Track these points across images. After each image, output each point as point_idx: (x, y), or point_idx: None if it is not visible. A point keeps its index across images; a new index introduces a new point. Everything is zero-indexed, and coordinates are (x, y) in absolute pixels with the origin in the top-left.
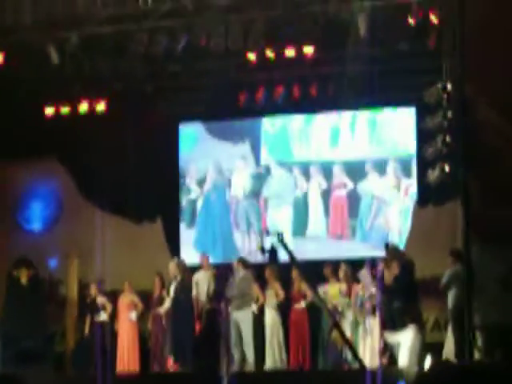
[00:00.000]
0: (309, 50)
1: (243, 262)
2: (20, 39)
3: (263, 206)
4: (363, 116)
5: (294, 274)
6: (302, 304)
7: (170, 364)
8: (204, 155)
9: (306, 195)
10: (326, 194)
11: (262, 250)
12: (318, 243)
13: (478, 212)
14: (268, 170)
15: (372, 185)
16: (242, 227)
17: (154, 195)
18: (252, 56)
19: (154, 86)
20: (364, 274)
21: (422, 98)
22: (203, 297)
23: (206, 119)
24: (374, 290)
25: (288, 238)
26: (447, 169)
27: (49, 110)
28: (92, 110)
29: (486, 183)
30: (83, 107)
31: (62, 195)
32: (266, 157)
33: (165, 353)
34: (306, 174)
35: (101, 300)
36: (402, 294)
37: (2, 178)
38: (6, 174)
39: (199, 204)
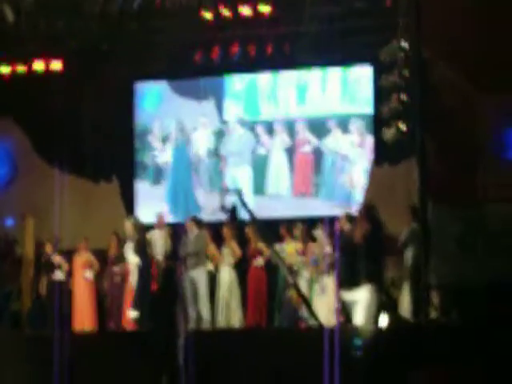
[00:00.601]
0: (265, 8)
1: (196, 222)
2: None
3: (224, 164)
4: (330, 73)
5: (250, 232)
6: (260, 261)
7: (127, 321)
8: (168, 113)
9: (269, 153)
10: (290, 152)
11: (223, 208)
12: (280, 201)
13: (434, 171)
14: (229, 128)
15: (336, 142)
16: (204, 185)
17: (110, 154)
18: (208, 14)
19: (110, 45)
20: (320, 232)
21: (379, 56)
22: (160, 256)
23: (162, 78)
24: (329, 248)
25: (249, 197)
26: (403, 127)
27: (4, 69)
28: (48, 69)
29: (441, 143)
30: (39, 66)
31: (18, 155)
32: (229, 114)
33: (121, 311)
34: (270, 131)
35: (57, 259)
36: (370, 252)
37: None
38: None
39: (163, 161)
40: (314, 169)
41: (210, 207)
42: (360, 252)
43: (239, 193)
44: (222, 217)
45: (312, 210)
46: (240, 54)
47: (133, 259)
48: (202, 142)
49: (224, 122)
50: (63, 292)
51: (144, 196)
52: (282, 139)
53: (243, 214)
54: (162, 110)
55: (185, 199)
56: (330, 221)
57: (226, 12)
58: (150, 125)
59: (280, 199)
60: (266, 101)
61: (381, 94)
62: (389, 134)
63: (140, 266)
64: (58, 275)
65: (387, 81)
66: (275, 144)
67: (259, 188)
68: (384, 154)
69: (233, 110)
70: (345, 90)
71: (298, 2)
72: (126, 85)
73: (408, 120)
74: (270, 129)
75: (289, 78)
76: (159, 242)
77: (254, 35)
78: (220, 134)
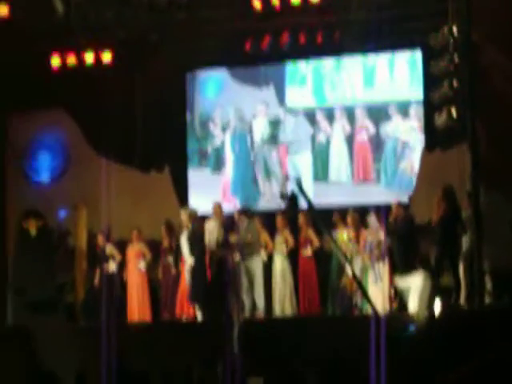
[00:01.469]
0: None
1: (245, 212)
2: None
3: (284, 152)
4: (397, 58)
5: (302, 220)
6: (309, 251)
7: (183, 311)
8: (228, 101)
9: (329, 139)
10: (350, 139)
11: (283, 196)
12: (341, 188)
13: (486, 157)
14: (289, 115)
15: (396, 128)
16: (262, 173)
17: (162, 144)
18: (258, 4)
19: (159, 35)
20: (373, 219)
21: (428, 42)
22: (213, 246)
23: (213, 67)
24: (382, 235)
25: (309, 184)
26: (454, 113)
27: (55, 61)
28: (98, 59)
29: (493, 128)
30: (89, 57)
31: (70, 146)
32: (290, 101)
33: (175, 301)
34: (330, 117)
35: (109, 250)
36: (447, 234)
37: (10, 129)
38: (14, 126)
39: (224, 149)
40: (374, 155)
41: (268, 195)
42: (416, 237)
43: (298, 181)
44: (280, 204)
45: (373, 197)
46: (290, 43)
47: (187, 249)
48: (260, 130)
49: (284, 109)
50: (116, 282)
51: (204, 184)
52: (342, 126)
53: (302, 202)
54: (222, 98)
55: (245, 187)
56: (383, 208)
57: (275, 1)
58: (211, 113)
59: (341, 186)
60: (330, 86)
61: (430, 80)
62: (440, 120)
63: (194, 256)
64: (112, 266)
65: (437, 67)
66: (335, 131)
67: (320, 175)
68: (435, 139)
69: (294, 96)
70: (413, 74)
71: None
72: (175, 74)
73: (459, 106)
74: (330, 115)
75: (355, 62)
76: (213, 231)
77: (304, 24)
78: (279, 122)
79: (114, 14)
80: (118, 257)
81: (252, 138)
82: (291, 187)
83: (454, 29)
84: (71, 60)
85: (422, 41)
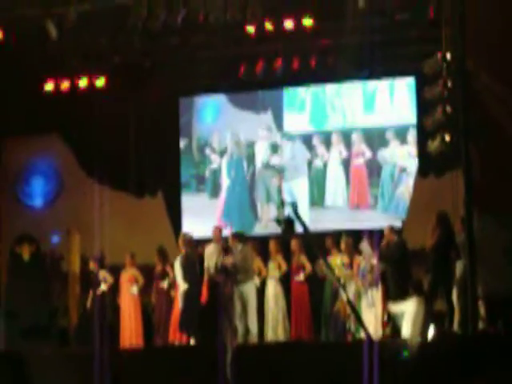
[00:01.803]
0: (308, 21)
1: (239, 237)
2: (18, 15)
3: (281, 177)
4: (399, 81)
5: (294, 245)
6: (301, 276)
7: (176, 337)
8: (226, 126)
9: (325, 164)
10: (346, 164)
11: (278, 221)
12: (337, 213)
13: (479, 182)
14: (285, 140)
15: (393, 153)
16: (261, 199)
17: (155, 169)
18: (251, 29)
19: (153, 60)
20: (365, 244)
21: (422, 68)
22: (212, 270)
23: (206, 92)
24: (375, 260)
25: (305, 209)
26: (447, 139)
27: (48, 86)
28: (92, 84)
29: (486, 153)
30: (83, 82)
31: (63, 171)
32: (288, 126)
33: (168, 327)
34: (327, 142)
35: (102, 274)
36: (441, 260)
37: (3, 154)
38: (7, 151)
39: (222, 174)
40: (371, 181)
41: (264, 220)
42: (409, 263)
43: (294, 205)
44: (275, 229)
45: (369, 222)
46: (283, 68)
47: (180, 275)
48: (261, 154)
49: (282, 135)
50: (109, 307)
51: (201, 209)
52: (339, 151)
53: (297, 227)
54: (219, 123)
55: (240, 212)
56: (376, 233)
57: (269, 26)
58: (209, 138)
59: (337, 211)
60: (329, 111)
61: (423, 106)
62: (433, 145)
63: (187, 281)
64: (104, 289)
65: (431, 93)
66: (332, 155)
67: (316, 200)
68: (429, 165)
69: (292, 121)
70: (412, 99)
71: (339, 14)
72: (170, 100)
73: (452, 131)
74: (327, 140)
75: (354, 88)
76: (212, 256)
77: (297, 48)
78: (277, 147)
79: (107, 40)
80: (110, 280)
81: (250, 162)
82: (287, 212)
83: (448, 55)
84: (65, 85)
85: (416, 66)
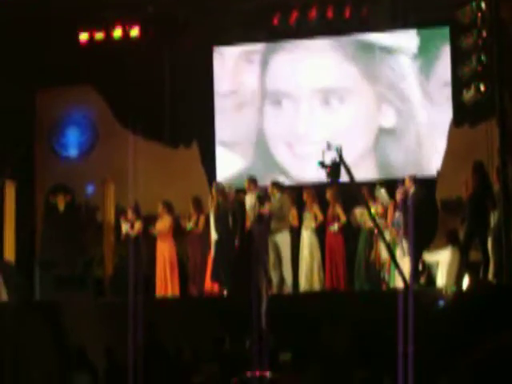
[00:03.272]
0: None
1: (277, 185)
2: None
3: None
4: None
5: (329, 196)
6: (336, 227)
7: (209, 287)
8: None
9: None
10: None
11: (323, 164)
12: None
13: None
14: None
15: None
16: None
17: (190, 120)
18: None
19: (187, 10)
20: (382, 191)
21: (456, 17)
22: (249, 219)
23: (240, 43)
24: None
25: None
26: (482, 88)
27: (83, 37)
28: (126, 35)
29: None
30: (117, 33)
31: (98, 121)
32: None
33: (203, 277)
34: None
35: (138, 224)
36: (479, 209)
37: (38, 105)
38: (42, 102)
39: None
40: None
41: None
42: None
43: (339, 150)
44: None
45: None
46: (318, 18)
47: (213, 225)
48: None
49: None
50: (143, 255)
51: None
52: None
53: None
54: None
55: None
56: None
57: None
58: None
59: None
60: None
61: (458, 55)
62: (468, 95)
63: (219, 231)
64: (140, 240)
65: (465, 42)
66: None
67: None
68: (463, 115)
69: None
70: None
71: None
72: (203, 50)
73: (487, 81)
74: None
75: None
76: (249, 206)
77: None
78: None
79: None
80: (138, 226)
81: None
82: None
83: (482, 4)
84: (99, 36)
85: (451, 16)
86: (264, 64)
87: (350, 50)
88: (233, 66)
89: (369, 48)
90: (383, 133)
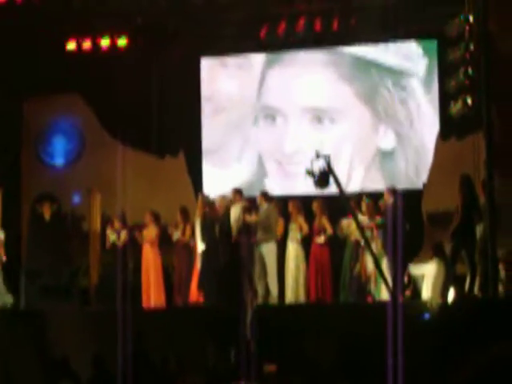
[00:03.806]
0: None
1: (265, 196)
2: None
3: None
4: None
5: (316, 207)
6: (322, 238)
7: (196, 297)
8: None
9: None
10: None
11: (311, 173)
12: None
13: (501, 145)
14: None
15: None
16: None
17: (177, 130)
18: None
19: (176, 21)
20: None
21: (444, 30)
22: (235, 230)
23: (228, 53)
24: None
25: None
26: (469, 101)
27: (70, 45)
28: (114, 44)
29: (508, 116)
30: (105, 42)
31: (85, 130)
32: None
33: (188, 287)
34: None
35: (124, 234)
36: (466, 223)
37: (25, 113)
38: (29, 110)
39: None
40: None
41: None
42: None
43: (328, 159)
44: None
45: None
46: (306, 29)
47: (199, 235)
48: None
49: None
50: (129, 267)
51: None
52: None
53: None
54: None
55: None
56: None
57: None
58: None
59: None
60: None
61: (445, 68)
62: (455, 108)
63: (205, 242)
64: (126, 250)
65: (453, 55)
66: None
67: None
68: (450, 128)
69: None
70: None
71: None
72: (192, 60)
73: (474, 94)
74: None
75: None
76: (235, 216)
77: (320, 10)
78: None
79: (131, 0)
80: (124, 235)
81: None
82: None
83: (470, 17)
84: (87, 44)
85: (439, 29)
86: (254, 77)
87: (343, 67)
88: (221, 77)
89: (363, 65)
90: (380, 153)
